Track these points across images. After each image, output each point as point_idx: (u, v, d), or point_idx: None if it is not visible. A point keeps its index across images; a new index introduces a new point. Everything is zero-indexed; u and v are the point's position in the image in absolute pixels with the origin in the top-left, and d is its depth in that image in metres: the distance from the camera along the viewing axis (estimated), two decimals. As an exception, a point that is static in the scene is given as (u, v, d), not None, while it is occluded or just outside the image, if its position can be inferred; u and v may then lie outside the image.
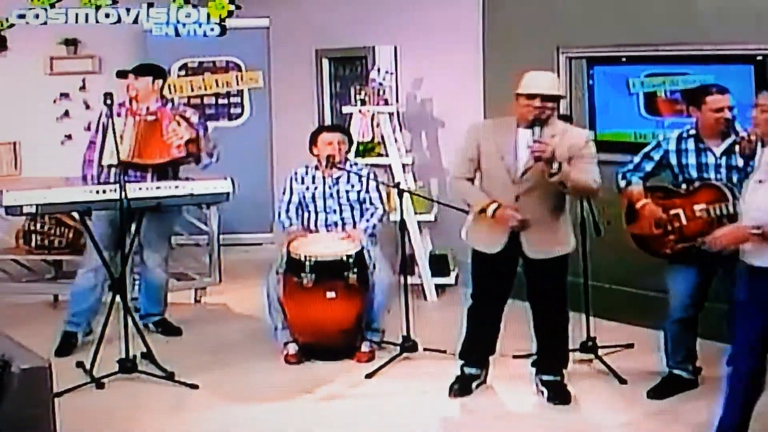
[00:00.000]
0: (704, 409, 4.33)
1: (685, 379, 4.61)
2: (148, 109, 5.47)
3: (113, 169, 5.33)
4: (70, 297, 5.55)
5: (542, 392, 4.61)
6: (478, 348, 4.73)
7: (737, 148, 4.25)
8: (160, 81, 5.60)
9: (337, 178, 5.42)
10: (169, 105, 5.60)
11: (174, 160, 5.41)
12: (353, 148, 6.17)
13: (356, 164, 5.60)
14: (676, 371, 4.62)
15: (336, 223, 5.42)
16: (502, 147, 4.39)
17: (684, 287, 4.48)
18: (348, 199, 5.41)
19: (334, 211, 5.42)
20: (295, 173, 5.51)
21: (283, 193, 5.53)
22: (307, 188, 5.44)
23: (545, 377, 4.63)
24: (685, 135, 4.42)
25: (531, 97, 4.32)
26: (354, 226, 5.40)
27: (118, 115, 5.34)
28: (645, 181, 4.51)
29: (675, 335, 4.58)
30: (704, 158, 4.35)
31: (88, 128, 5.82)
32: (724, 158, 4.31)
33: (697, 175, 4.36)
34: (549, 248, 4.44)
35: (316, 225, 5.45)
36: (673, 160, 4.42)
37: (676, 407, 4.47)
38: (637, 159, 4.55)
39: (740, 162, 4.25)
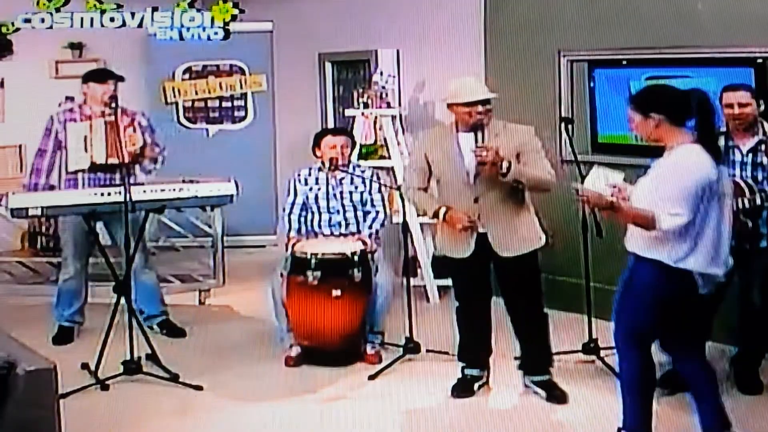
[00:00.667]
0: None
1: None
2: (102, 112, 5.46)
3: (82, 174, 5.38)
4: (59, 297, 5.62)
5: (537, 393, 4.64)
6: (473, 347, 4.75)
7: (763, 147, 4.25)
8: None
9: (341, 180, 5.44)
10: (118, 108, 5.53)
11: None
12: (356, 150, 6.19)
13: (359, 166, 5.63)
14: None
15: (339, 224, 5.44)
16: (449, 153, 4.47)
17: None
18: (351, 201, 5.43)
19: (338, 212, 5.45)
20: (298, 175, 5.53)
21: (287, 194, 5.56)
22: (311, 189, 5.46)
23: (536, 378, 4.66)
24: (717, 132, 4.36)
25: (471, 104, 4.41)
26: (357, 227, 5.43)
27: (73, 120, 5.39)
28: None
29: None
30: (731, 156, 4.32)
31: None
32: (750, 156, 4.29)
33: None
34: (518, 245, 4.51)
35: (319, 226, 5.47)
36: None
37: (677, 407, 4.42)
38: None
39: (765, 160, 4.25)
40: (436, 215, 4.53)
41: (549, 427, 4.42)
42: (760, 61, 4.99)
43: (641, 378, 3.88)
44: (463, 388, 4.69)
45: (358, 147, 6.29)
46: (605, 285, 5.02)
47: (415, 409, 4.59)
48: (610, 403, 4.56)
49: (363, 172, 5.52)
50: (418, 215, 4.72)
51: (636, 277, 3.80)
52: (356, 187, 5.44)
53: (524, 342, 4.70)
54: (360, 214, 5.45)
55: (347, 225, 5.45)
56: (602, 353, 4.97)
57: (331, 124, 7.72)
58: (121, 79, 5.68)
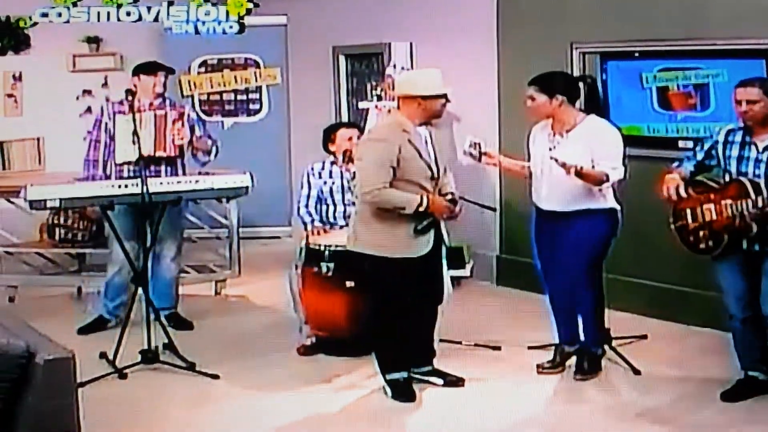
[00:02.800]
0: (720, 403, 4.36)
1: (762, 381, 4.40)
2: (151, 104, 5.50)
3: (128, 167, 5.40)
4: (106, 289, 5.66)
5: (429, 382, 4.71)
6: (422, 346, 4.75)
7: None
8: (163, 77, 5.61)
9: (355, 172, 5.48)
10: (167, 101, 5.61)
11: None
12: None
13: None
14: (751, 373, 4.43)
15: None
16: (419, 148, 4.40)
17: (732, 284, 4.36)
18: None
19: (353, 204, 5.48)
20: (312, 168, 5.56)
21: (301, 188, 5.59)
22: (324, 182, 5.50)
23: (420, 369, 4.72)
24: (735, 128, 4.32)
25: (442, 96, 4.43)
26: None
27: (122, 112, 5.40)
28: (698, 171, 4.41)
29: (740, 335, 4.43)
30: (747, 152, 4.25)
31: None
32: (765, 153, 4.19)
33: (736, 167, 4.26)
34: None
35: (335, 217, 5.52)
36: (720, 152, 4.33)
37: (693, 399, 4.47)
38: (696, 148, 4.50)
39: None
40: (417, 208, 4.35)
41: (561, 414, 4.44)
42: (772, 52, 4.97)
43: (601, 298, 4.73)
44: (410, 391, 4.59)
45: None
46: (618, 276, 5.05)
47: (429, 397, 4.61)
48: (620, 391, 4.63)
49: None
50: (393, 211, 4.38)
51: (591, 227, 4.57)
52: None
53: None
54: None
55: None
56: (614, 343, 4.98)
57: (345, 117, 7.75)
58: (171, 71, 5.73)
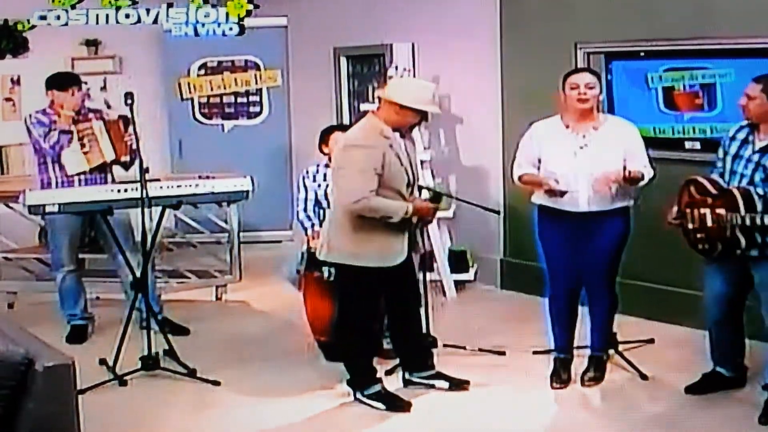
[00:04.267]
0: (730, 406, 4.36)
1: (726, 377, 4.52)
2: (80, 113, 5.46)
3: (82, 176, 5.39)
4: (63, 298, 5.62)
5: (433, 386, 4.71)
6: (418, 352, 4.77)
7: None
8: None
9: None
10: (85, 109, 5.58)
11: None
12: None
13: None
14: (718, 368, 4.53)
15: None
16: (399, 154, 4.35)
17: (714, 286, 4.41)
18: None
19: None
20: (307, 171, 5.54)
21: (298, 191, 5.56)
22: (319, 186, 5.47)
23: (423, 374, 4.73)
24: (745, 125, 4.30)
25: (418, 111, 4.37)
26: None
27: (53, 129, 5.35)
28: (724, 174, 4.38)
29: (714, 333, 4.51)
30: (744, 150, 4.24)
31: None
32: (758, 155, 4.17)
33: (730, 166, 4.27)
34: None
35: None
36: (725, 149, 4.34)
37: (699, 403, 4.45)
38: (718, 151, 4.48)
39: None
40: (405, 215, 4.30)
41: (567, 419, 4.41)
42: (779, 52, 4.95)
43: (617, 300, 4.71)
44: (398, 398, 4.56)
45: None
46: (624, 279, 5.00)
47: (433, 402, 4.58)
48: (627, 396, 4.60)
49: None
50: (376, 219, 4.30)
51: (622, 224, 4.56)
52: None
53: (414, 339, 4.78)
54: None
55: None
56: (620, 347, 4.95)
57: (346, 119, 7.71)
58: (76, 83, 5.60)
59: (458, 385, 4.70)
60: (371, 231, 4.32)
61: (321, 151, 5.50)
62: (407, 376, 4.75)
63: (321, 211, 5.50)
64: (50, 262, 5.85)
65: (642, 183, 4.51)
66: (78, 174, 5.42)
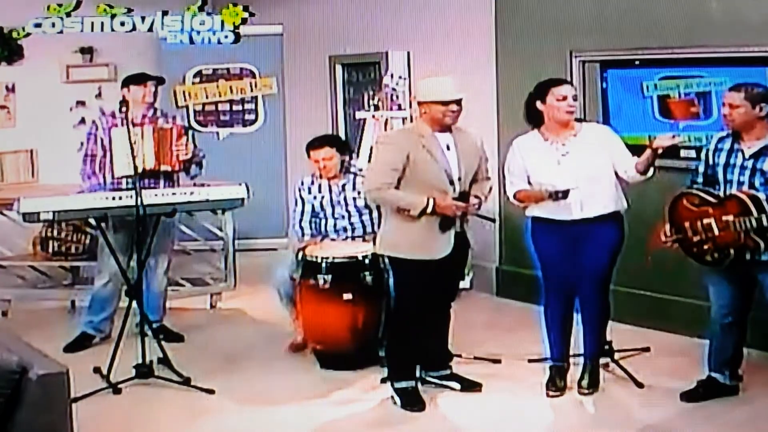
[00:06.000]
0: (728, 414, 4.36)
1: (722, 384, 4.54)
2: (144, 116, 5.47)
3: (127, 179, 5.34)
4: (91, 303, 5.62)
5: (449, 387, 4.77)
6: (438, 350, 4.82)
7: None
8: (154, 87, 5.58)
9: (343, 185, 5.46)
10: (158, 112, 5.59)
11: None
12: (365, 153, 6.18)
13: (361, 170, 5.60)
14: (713, 374, 4.56)
15: (345, 228, 5.47)
16: (434, 153, 4.43)
17: (719, 291, 4.43)
18: (355, 206, 5.44)
19: (343, 217, 5.47)
20: (302, 183, 5.55)
21: (295, 204, 5.57)
22: (315, 197, 5.48)
23: (438, 373, 4.80)
24: (725, 135, 4.36)
25: (447, 103, 4.43)
26: (363, 231, 5.45)
27: (116, 125, 5.36)
28: (707, 184, 4.41)
29: (716, 339, 4.53)
30: (733, 159, 4.29)
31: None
32: (751, 161, 4.22)
33: (722, 175, 4.31)
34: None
35: (326, 230, 5.50)
36: (711, 159, 4.38)
37: (695, 412, 4.45)
38: (697, 163, 4.53)
39: (767, 166, 4.18)
40: (423, 210, 4.37)
41: (563, 428, 4.42)
42: (774, 60, 4.98)
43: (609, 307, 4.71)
44: (419, 400, 4.61)
45: (369, 149, 6.29)
46: (619, 288, 5.02)
47: (429, 410, 4.58)
48: (623, 405, 4.61)
49: (361, 171, 5.51)
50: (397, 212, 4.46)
51: (617, 228, 4.58)
52: (359, 193, 5.41)
53: (442, 339, 4.86)
54: (366, 218, 5.47)
55: (353, 229, 5.47)
56: (616, 356, 4.96)
57: (341, 127, 7.75)
58: (161, 81, 5.70)
59: (471, 387, 4.76)
60: (409, 224, 4.44)
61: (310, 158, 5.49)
62: (423, 374, 4.78)
63: (320, 222, 5.51)
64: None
65: (650, 173, 4.51)
66: (124, 177, 5.36)
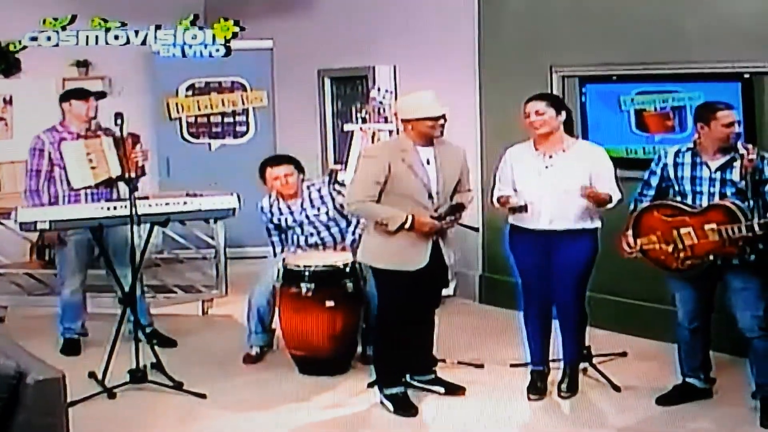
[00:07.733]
0: (699, 418, 4.45)
1: (698, 388, 4.64)
2: (87, 129, 5.59)
3: (88, 191, 5.50)
4: (65, 311, 5.70)
5: (433, 390, 4.85)
6: (421, 357, 4.88)
7: (737, 164, 4.26)
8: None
9: (301, 204, 5.50)
10: (98, 125, 5.68)
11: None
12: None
13: (314, 185, 5.59)
14: (689, 379, 4.66)
15: (316, 244, 5.53)
16: (413, 166, 4.49)
17: (684, 296, 4.54)
18: (320, 221, 5.49)
19: (311, 234, 5.52)
20: (261, 207, 5.55)
21: (262, 222, 5.60)
22: (278, 219, 5.52)
23: (422, 377, 4.89)
24: (683, 149, 4.47)
25: (435, 118, 4.50)
26: (334, 242, 5.51)
27: (64, 139, 5.49)
28: (658, 197, 4.54)
29: (685, 344, 4.62)
30: (698, 172, 4.39)
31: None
32: (719, 173, 4.33)
33: (690, 187, 4.41)
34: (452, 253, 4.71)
35: (298, 243, 5.56)
36: (671, 174, 4.48)
37: (671, 415, 4.54)
38: (645, 176, 4.62)
39: (736, 177, 4.27)
40: (402, 225, 4.44)
41: (548, 429, 4.51)
42: (747, 76, 5.07)
43: (587, 315, 4.81)
44: (410, 405, 4.68)
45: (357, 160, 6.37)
46: (597, 293, 5.12)
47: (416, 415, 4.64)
48: (600, 408, 4.69)
49: (319, 190, 5.52)
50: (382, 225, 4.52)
51: (587, 244, 4.67)
52: (318, 209, 5.48)
53: (427, 343, 4.93)
54: (335, 230, 5.52)
55: (324, 244, 5.53)
56: (594, 360, 5.06)
57: (330, 139, 7.81)
58: (102, 95, 5.80)
59: (454, 390, 4.83)
60: (390, 236, 4.49)
61: (264, 182, 5.52)
62: (408, 378, 4.84)
63: (294, 236, 5.55)
64: (58, 275, 5.87)
65: (609, 205, 4.61)
66: (84, 188, 5.49)
